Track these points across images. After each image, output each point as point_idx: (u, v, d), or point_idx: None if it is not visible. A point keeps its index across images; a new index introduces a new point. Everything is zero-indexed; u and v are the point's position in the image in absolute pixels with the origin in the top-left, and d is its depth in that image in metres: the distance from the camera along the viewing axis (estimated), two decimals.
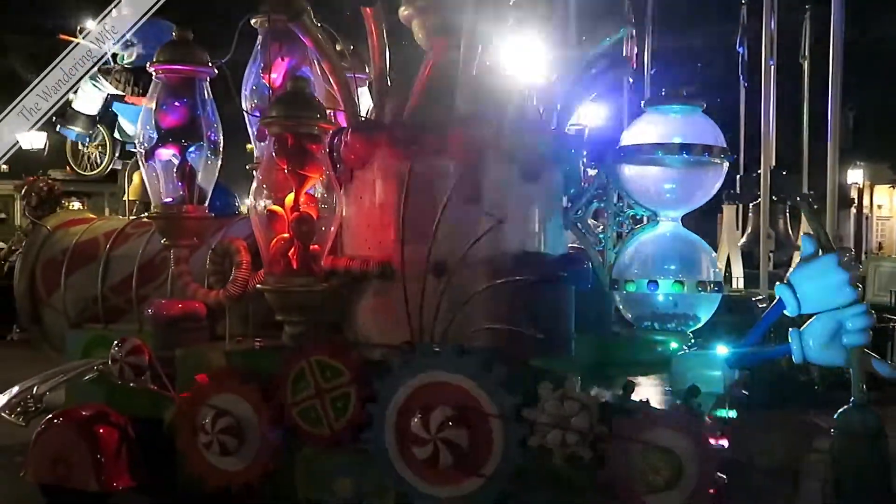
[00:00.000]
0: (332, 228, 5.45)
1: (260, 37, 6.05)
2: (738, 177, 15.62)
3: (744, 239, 14.30)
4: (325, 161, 5.42)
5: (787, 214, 14.74)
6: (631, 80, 17.98)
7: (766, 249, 11.51)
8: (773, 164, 12.80)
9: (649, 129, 5.76)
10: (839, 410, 5.61)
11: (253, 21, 6.02)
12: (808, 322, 5.12)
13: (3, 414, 5.82)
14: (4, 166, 18.73)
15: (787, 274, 5.19)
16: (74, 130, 6.50)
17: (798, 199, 5.45)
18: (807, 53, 15.11)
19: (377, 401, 4.83)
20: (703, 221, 10.22)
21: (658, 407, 4.49)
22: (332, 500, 5.10)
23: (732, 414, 6.11)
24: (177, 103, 5.91)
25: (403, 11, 5.95)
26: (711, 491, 4.41)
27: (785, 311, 5.09)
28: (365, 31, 5.74)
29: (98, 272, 6.51)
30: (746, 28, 16.54)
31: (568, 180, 5.92)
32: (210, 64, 5.99)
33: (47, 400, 6.14)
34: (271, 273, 5.32)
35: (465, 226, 5.30)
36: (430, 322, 5.21)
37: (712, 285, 5.67)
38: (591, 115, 10.20)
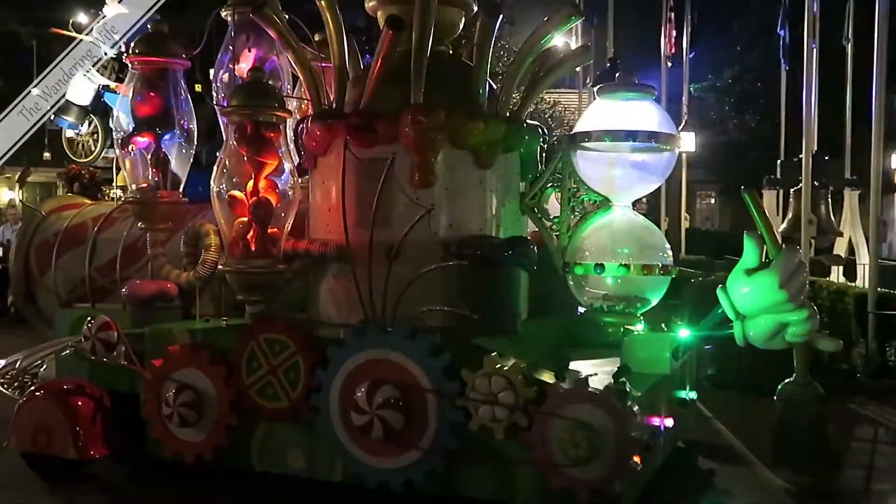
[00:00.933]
0: (291, 212, 5.71)
1: (229, 29, 6.30)
2: (778, 162, 15.41)
3: (784, 225, 14.10)
4: (286, 147, 5.68)
5: (829, 200, 14.52)
6: (669, 65, 18.02)
7: (808, 235, 11.34)
8: (815, 148, 12.62)
9: (601, 115, 5.91)
10: (781, 384, 5.82)
11: (223, 13, 6.28)
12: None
13: None
14: (48, 154, 19.34)
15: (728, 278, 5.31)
16: (67, 120, 6.84)
17: (747, 190, 5.53)
18: (850, 36, 14.75)
19: (325, 371, 5.11)
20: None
21: (582, 384, 4.66)
22: (285, 472, 5.41)
23: (692, 395, 6.31)
24: (151, 93, 6.20)
25: (368, 3, 6.19)
26: (636, 458, 4.60)
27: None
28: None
29: (86, 254, 6.84)
30: (788, 10, 16.20)
31: (525, 166, 6.11)
32: (184, 56, 6.27)
33: (43, 375, 6.53)
34: (231, 255, 5.60)
35: (416, 210, 5.52)
36: (381, 303, 5.45)
37: (660, 269, 5.82)
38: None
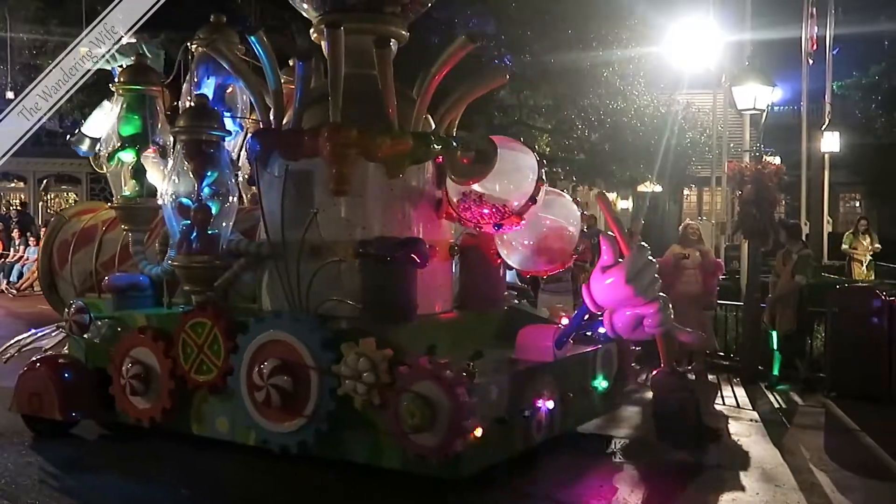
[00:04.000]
0: (232, 216, 6.71)
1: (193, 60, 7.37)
2: None
3: None
4: (226, 160, 6.70)
5: None
6: (811, 62, 17.27)
7: None
8: None
9: None
10: (653, 372, 6.42)
11: (191, 46, 7.36)
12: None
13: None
14: None
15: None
16: (81, 149, 7.89)
17: (599, 194, 6.12)
18: None
19: (236, 352, 6.09)
20: None
21: (428, 363, 5.42)
22: (214, 436, 6.41)
23: (603, 384, 6.95)
24: (134, 115, 7.31)
25: (313, 34, 7.15)
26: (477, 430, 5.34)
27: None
28: None
29: (93, 252, 8.07)
30: None
31: (441, 175, 6.88)
32: (161, 84, 7.39)
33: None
34: (178, 252, 6.64)
35: (335, 215, 6.43)
36: (299, 294, 6.36)
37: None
38: (769, 97, 10.85)
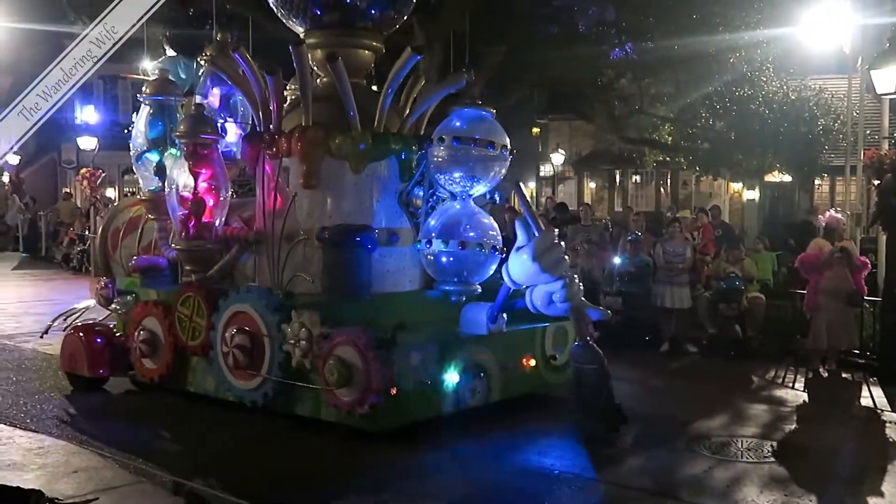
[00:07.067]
0: (225, 208, 7.88)
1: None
2: None
3: None
4: (220, 160, 7.87)
5: None
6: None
7: None
8: None
9: (450, 126, 7.48)
10: (571, 346, 7.08)
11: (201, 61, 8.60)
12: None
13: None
14: None
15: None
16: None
17: (515, 187, 6.88)
18: None
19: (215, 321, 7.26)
20: None
21: (349, 331, 6.39)
22: (205, 393, 7.60)
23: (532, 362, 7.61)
24: (157, 122, 8.60)
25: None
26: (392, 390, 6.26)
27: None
28: None
29: (137, 238, 9.45)
30: None
31: (404, 170, 7.80)
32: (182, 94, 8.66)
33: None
34: (179, 238, 7.88)
35: (306, 205, 7.51)
36: (276, 274, 7.49)
37: (487, 247, 7.30)
38: None
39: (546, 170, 30.47)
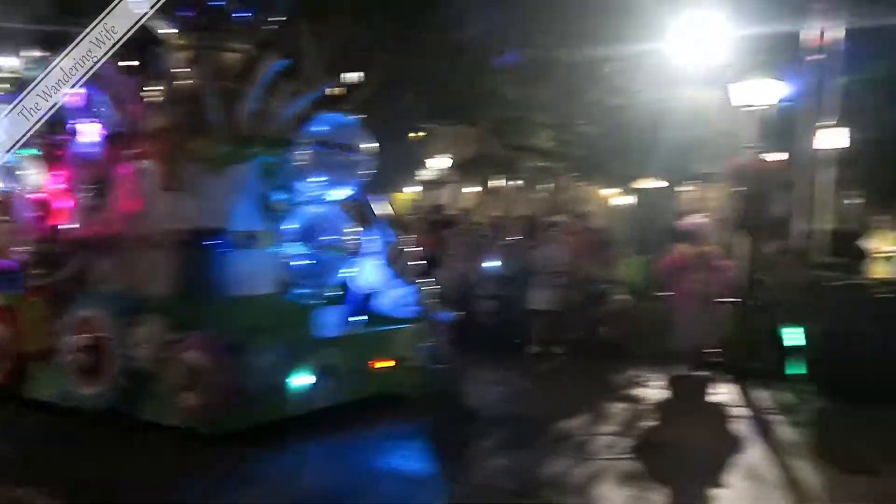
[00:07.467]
0: (78, 210, 7.62)
1: None
2: None
3: None
4: (73, 161, 7.60)
5: None
6: (815, 56, 16.79)
7: None
8: None
9: (313, 130, 7.42)
10: (423, 347, 7.13)
11: None
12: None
13: None
14: None
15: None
16: None
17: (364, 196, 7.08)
18: None
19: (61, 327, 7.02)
20: None
21: (198, 334, 6.28)
22: (50, 400, 7.32)
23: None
24: None
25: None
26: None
27: None
28: None
29: None
30: None
31: (267, 174, 7.69)
32: None
33: None
34: (28, 240, 7.59)
35: (163, 208, 7.32)
36: (129, 277, 7.28)
37: (344, 251, 7.28)
38: (771, 93, 11.04)
39: (428, 174, 30.68)
